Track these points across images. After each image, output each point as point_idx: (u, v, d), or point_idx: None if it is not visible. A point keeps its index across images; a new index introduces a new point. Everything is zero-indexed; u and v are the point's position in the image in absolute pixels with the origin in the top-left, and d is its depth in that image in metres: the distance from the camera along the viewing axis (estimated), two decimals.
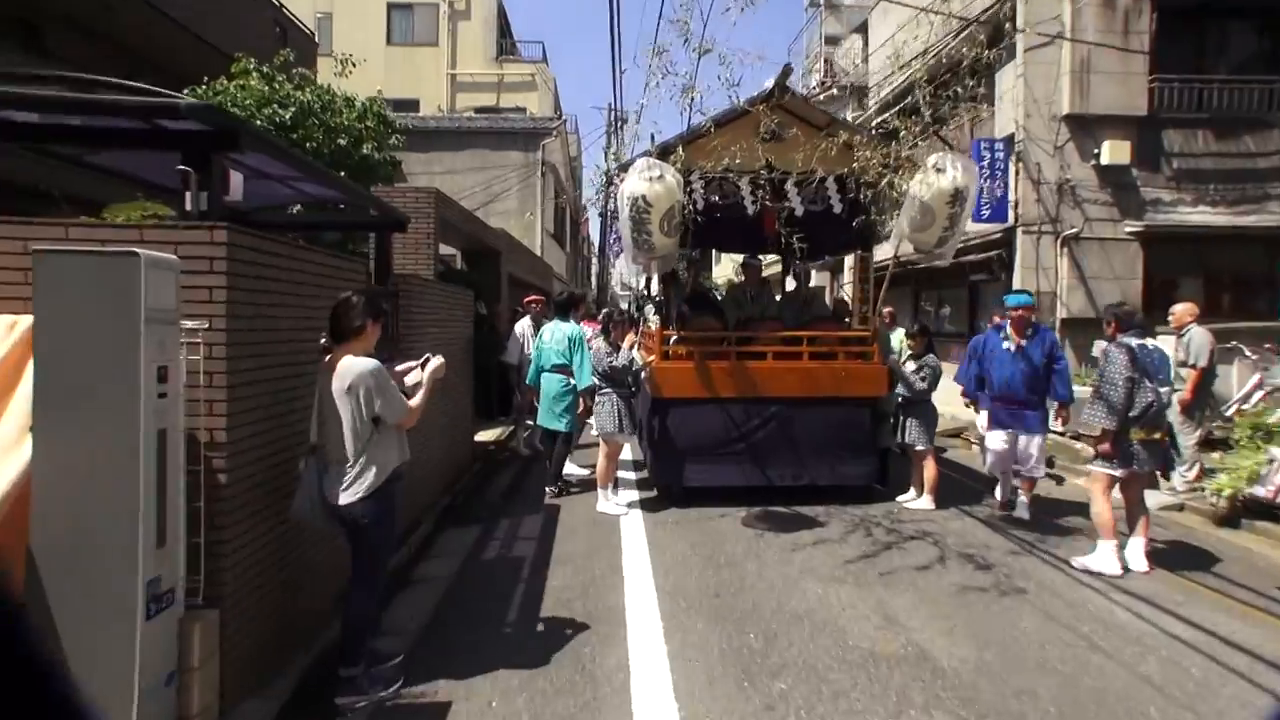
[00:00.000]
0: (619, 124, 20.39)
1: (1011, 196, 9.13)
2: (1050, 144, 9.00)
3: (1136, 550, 4.51)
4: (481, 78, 22.20)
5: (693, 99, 4.68)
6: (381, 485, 2.87)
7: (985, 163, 9.03)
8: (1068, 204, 9.09)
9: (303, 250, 3.10)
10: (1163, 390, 4.43)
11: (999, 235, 9.53)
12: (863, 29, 16.45)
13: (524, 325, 7.84)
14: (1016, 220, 9.17)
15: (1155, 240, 8.97)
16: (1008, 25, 8.37)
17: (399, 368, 3.26)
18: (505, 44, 23.10)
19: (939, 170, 4.80)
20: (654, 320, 7.06)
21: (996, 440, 5.57)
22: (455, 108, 21.61)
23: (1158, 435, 4.46)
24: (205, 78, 7.80)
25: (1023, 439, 5.45)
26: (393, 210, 4.94)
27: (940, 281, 12.43)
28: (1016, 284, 9.39)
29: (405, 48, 21.60)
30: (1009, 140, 9.10)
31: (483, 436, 8.54)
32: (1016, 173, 9.17)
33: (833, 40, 19.49)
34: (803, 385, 6.04)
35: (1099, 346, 7.51)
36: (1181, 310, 6.68)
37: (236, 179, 2.99)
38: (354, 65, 9.61)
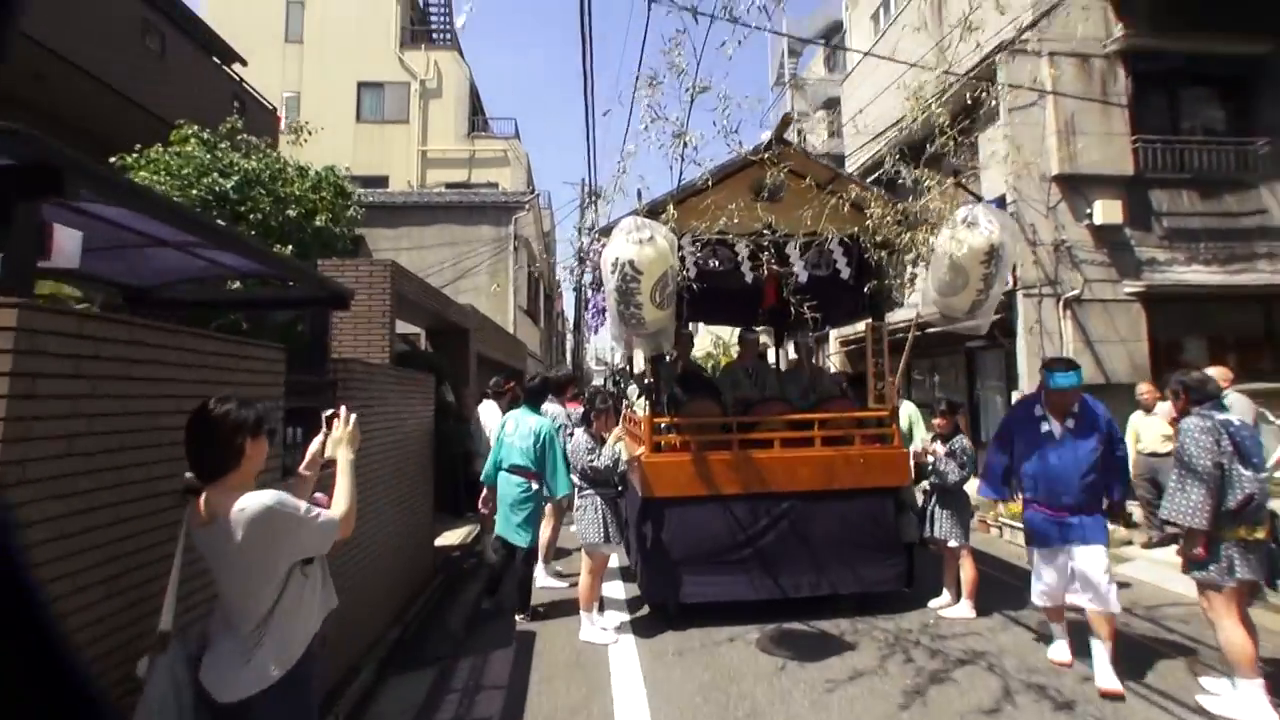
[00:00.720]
0: (594, 199, 20.23)
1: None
2: (1043, 204, 8.68)
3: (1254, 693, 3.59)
4: (453, 154, 22.04)
5: (685, 144, 4.03)
6: (296, 665, 1.97)
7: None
8: (1065, 265, 8.70)
9: (176, 334, 2.25)
10: (1261, 477, 3.69)
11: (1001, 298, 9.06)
12: (832, 104, 16.63)
13: (489, 410, 6.96)
14: (1015, 283, 8.73)
15: (1156, 300, 8.58)
16: (992, 87, 8.14)
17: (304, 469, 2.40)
18: (477, 120, 23.11)
19: (970, 225, 4.19)
20: (639, 405, 6.27)
21: (1047, 567, 4.15)
22: (426, 184, 21.31)
23: (1260, 534, 3.68)
24: (138, 145, 7.08)
25: (1079, 554, 3.99)
26: (329, 284, 4.13)
27: (931, 349, 11.92)
28: (1021, 351, 8.86)
29: (375, 125, 21.41)
30: (1000, 201, 8.77)
31: (447, 539, 7.48)
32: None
33: (801, 116, 19.79)
34: (816, 476, 5.23)
35: (1137, 421, 6.89)
36: (1218, 375, 6.10)
37: (69, 237, 2.17)
38: (309, 133, 9.02)
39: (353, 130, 21.37)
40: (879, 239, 4.96)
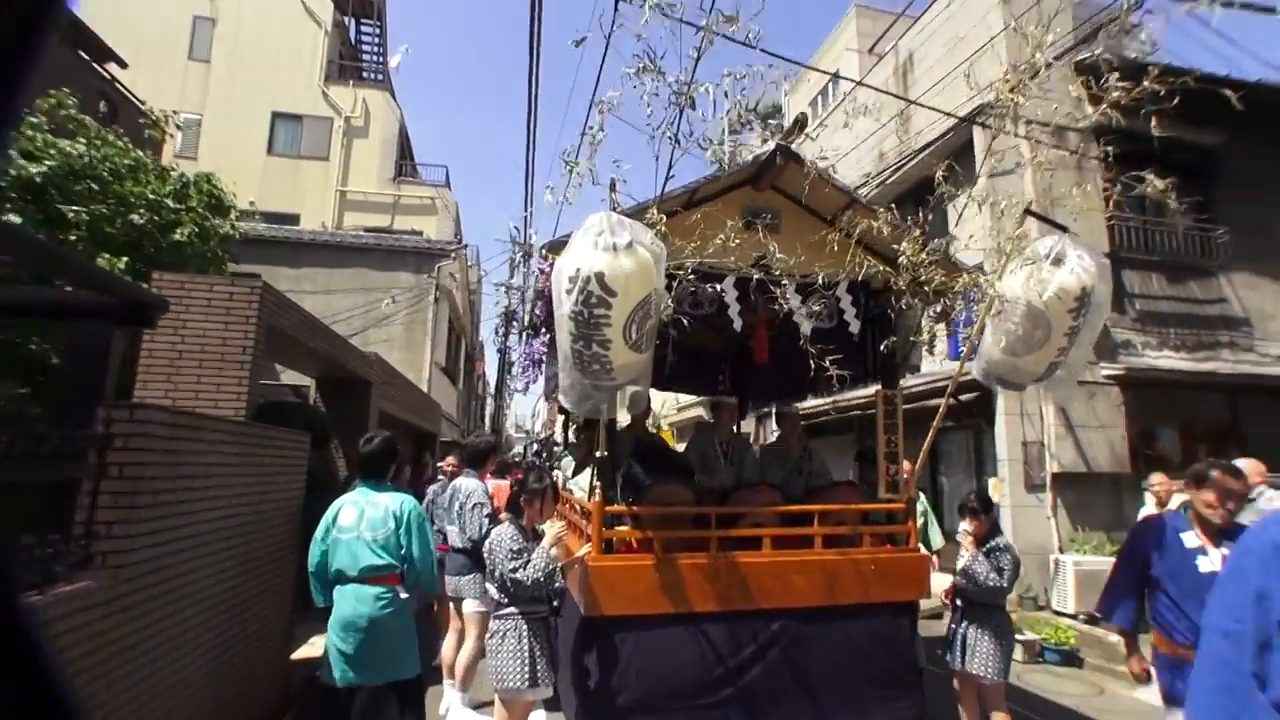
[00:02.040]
0: (525, 254, 19.04)
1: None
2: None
3: None
4: (375, 197, 20.47)
5: (688, 102, 2.87)
6: None
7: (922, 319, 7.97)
8: None
9: None
10: None
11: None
12: None
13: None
14: None
15: (1132, 386, 8.05)
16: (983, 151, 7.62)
17: None
18: (405, 166, 21.76)
19: (1056, 262, 3.17)
20: (576, 484, 4.84)
21: None
22: (342, 226, 19.55)
23: None
24: None
25: None
26: (118, 286, 2.60)
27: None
28: (1001, 435, 8.05)
29: (289, 159, 19.67)
30: (979, 267, 8.13)
31: (314, 647, 5.60)
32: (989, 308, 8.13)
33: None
34: (816, 588, 3.95)
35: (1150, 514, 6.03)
36: (1250, 469, 5.35)
37: None
38: (176, 127, 7.43)
39: (262, 162, 19.53)
40: (907, 284, 3.93)
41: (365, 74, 21.39)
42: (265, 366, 10.68)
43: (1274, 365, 8.40)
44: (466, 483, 5.08)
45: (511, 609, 3.50)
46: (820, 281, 4.08)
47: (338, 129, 19.60)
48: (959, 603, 4.06)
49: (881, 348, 4.19)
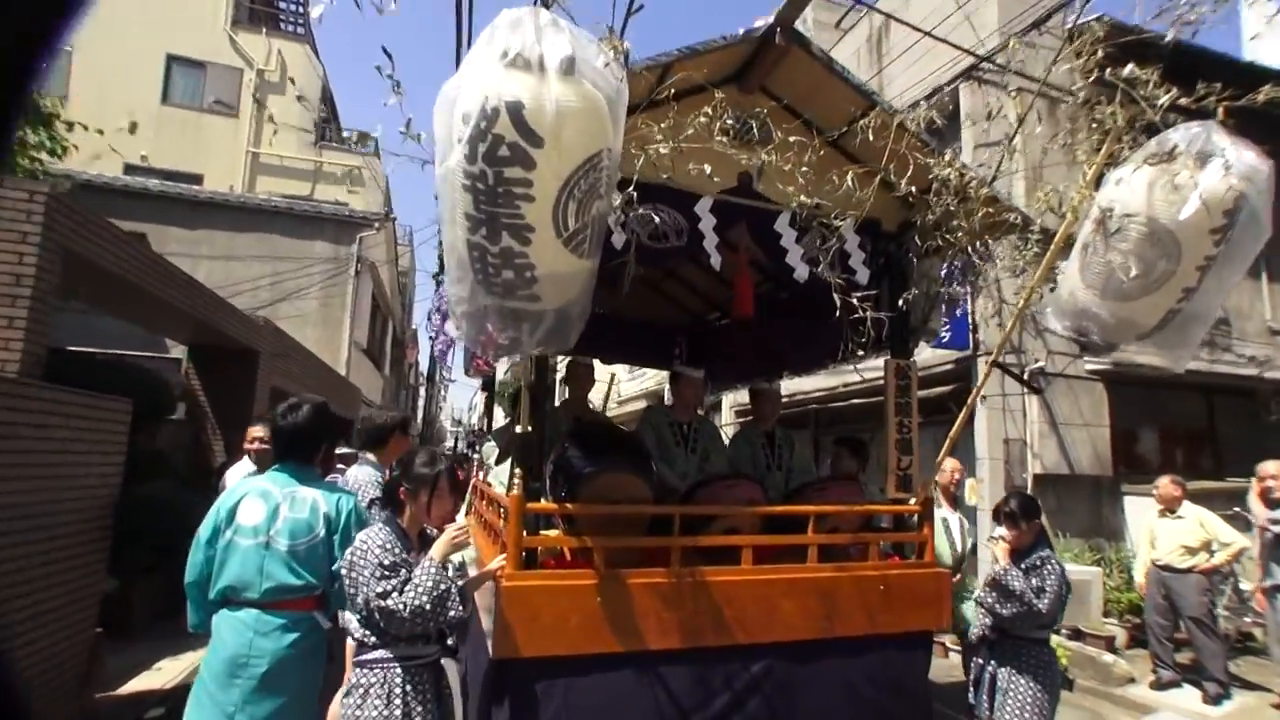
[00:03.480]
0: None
1: (970, 318, 7.28)
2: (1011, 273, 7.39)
3: None
4: (293, 163, 18.49)
5: None
6: None
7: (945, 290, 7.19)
8: (1029, 332, 7.39)
9: None
10: None
11: (951, 366, 7.56)
12: None
13: (241, 470, 4.04)
14: (977, 348, 7.26)
15: (1117, 383, 7.46)
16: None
17: None
18: (329, 130, 19.85)
19: (1201, 160, 2.21)
20: (496, 479, 3.69)
21: None
22: (254, 192, 17.55)
23: None
24: None
25: None
26: None
27: (854, 423, 10.32)
28: (981, 431, 7.32)
29: (190, 111, 17.49)
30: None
31: (147, 680, 4.25)
32: (974, 288, 7.38)
33: None
34: (811, 615, 2.95)
35: (1154, 525, 5.34)
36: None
37: None
38: None
39: (156, 112, 17.25)
40: (936, 221, 2.99)
41: (283, 23, 19.37)
42: (148, 339, 8.90)
43: (1248, 366, 8.00)
44: (356, 473, 3.85)
45: (379, 653, 2.34)
46: (819, 217, 3.07)
47: (248, 82, 17.56)
48: (987, 634, 3.13)
49: (900, 303, 3.22)
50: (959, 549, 4.42)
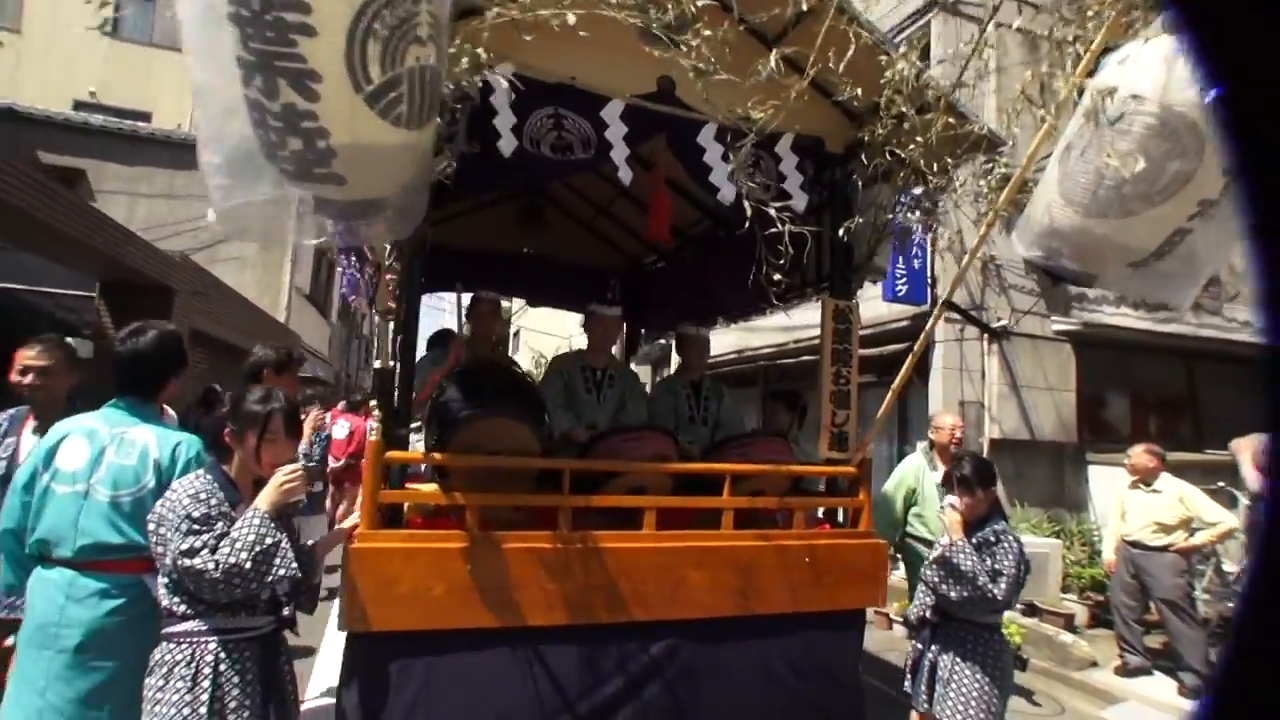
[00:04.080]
0: None
1: (930, 270, 6.89)
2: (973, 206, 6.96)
3: None
4: None
5: None
6: None
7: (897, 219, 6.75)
8: (993, 288, 7.03)
9: None
10: None
11: (907, 323, 7.18)
12: None
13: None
14: (934, 303, 6.89)
15: (1085, 344, 7.16)
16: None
17: None
18: None
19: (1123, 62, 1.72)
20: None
21: None
22: None
23: None
24: None
25: None
26: None
27: (804, 380, 10.01)
28: (936, 392, 7.00)
29: (139, 46, 16.31)
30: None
31: None
32: (934, 241, 6.97)
33: None
34: (725, 591, 2.58)
35: (1127, 497, 5.01)
36: None
37: None
38: None
39: (104, 47, 16.08)
40: (884, 138, 2.55)
41: None
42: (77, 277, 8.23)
43: (1239, 331, 7.67)
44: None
45: (190, 624, 1.92)
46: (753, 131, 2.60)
47: None
48: (928, 615, 2.79)
49: (839, 233, 2.78)
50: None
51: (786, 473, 2.86)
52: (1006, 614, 3.35)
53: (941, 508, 2.86)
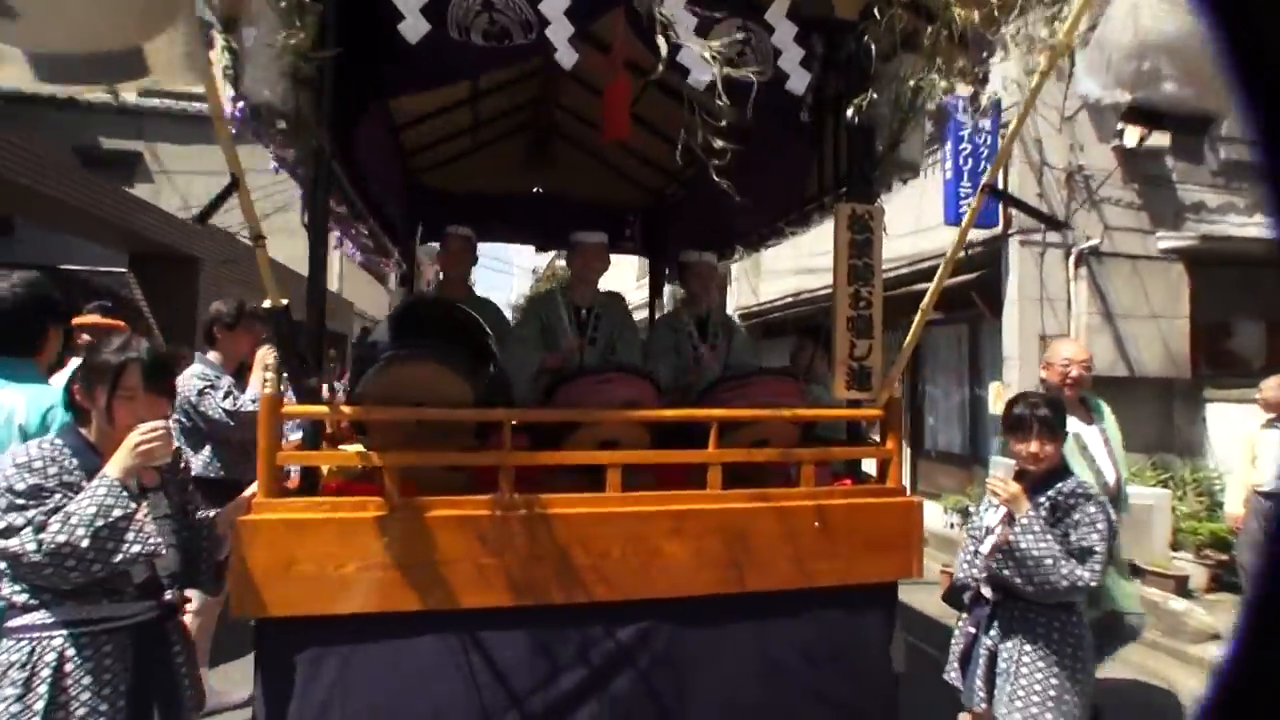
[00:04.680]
0: None
1: (1000, 187, 5.96)
2: (1056, 112, 5.93)
3: None
4: None
5: None
6: None
7: (965, 134, 5.83)
8: (1081, 204, 6.02)
9: None
10: None
11: (979, 249, 6.30)
12: None
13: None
14: (1008, 225, 5.97)
15: (1203, 262, 6.06)
16: None
17: None
18: None
19: None
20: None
21: None
22: None
23: None
24: None
25: None
26: None
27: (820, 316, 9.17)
28: (1011, 325, 6.14)
29: None
30: (997, 107, 5.96)
31: None
32: (1007, 155, 6.02)
33: None
34: (710, 564, 2.09)
35: (1256, 438, 4.14)
36: None
37: None
38: None
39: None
40: None
41: None
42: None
43: None
44: (184, 373, 3.15)
45: (33, 616, 1.62)
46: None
47: None
48: (987, 593, 2.21)
49: (848, 114, 2.14)
50: (1108, 480, 2.87)
51: (790, 417, 2.31)
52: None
53: (992, 472, 2.23)
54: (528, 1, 2.10)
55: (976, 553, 2.26)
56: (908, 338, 2.28)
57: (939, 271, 2.15)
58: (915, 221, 7.06)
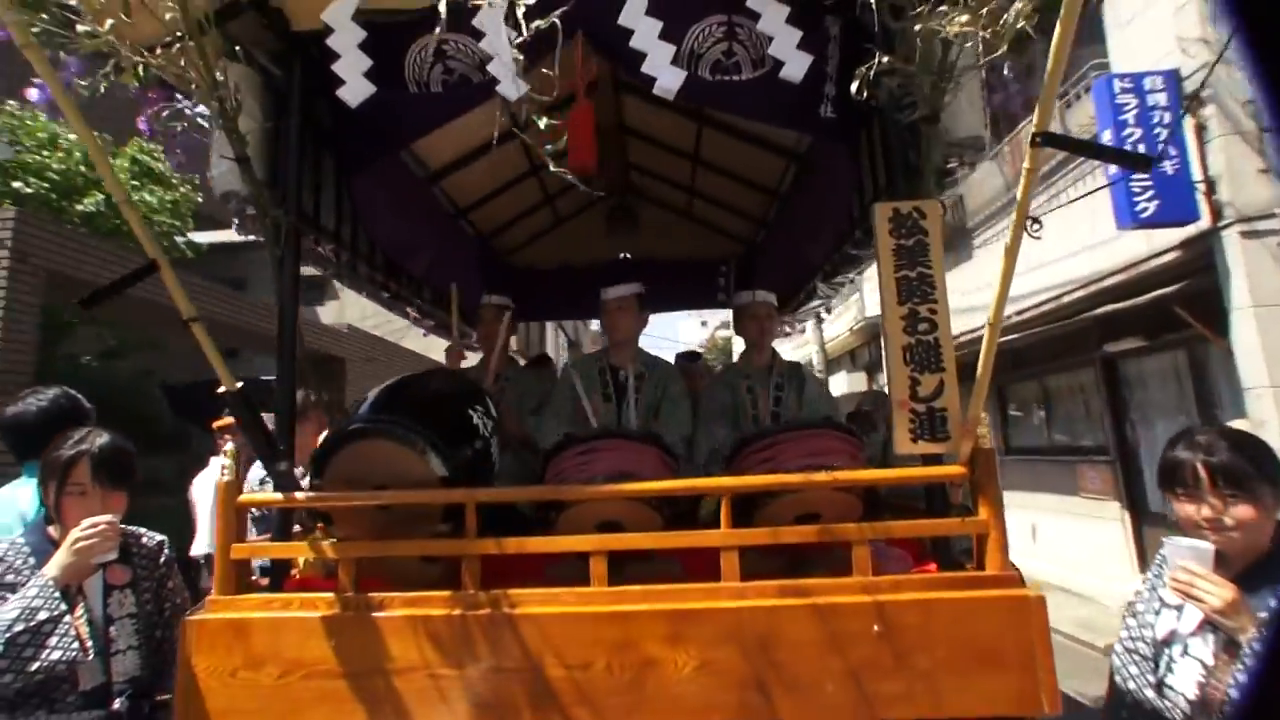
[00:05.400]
0: None
1: (1197, 172, 4.73)
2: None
3: None
4: None
5: None
6: None
7: (1127, 115, 4.79)
8: None
9: None
10: None
11: (1176, 252, 5.03)
12: None
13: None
14: (1218, 215, 4.70)
15: None
16: None
17: None
18: None
19: None
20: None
21: None
22: None
23: None
24: None
25: None
26: None
27: (1030, 363, 7.78)
28: (1250, 344, 4.74)
29: None
30: (1172, 76, 4.84)
31: None
32: (1199, 130, 4.83)
33: None
34: (723, 684, 1.59)
35: None
36: None
37: None
38: None
39: None
40: None
41: None
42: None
43: None
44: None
45: None
46: None
47: None
48: None
49: (853, 89, 1.67)
50: None
51: (838, 482, 1.76)
52: None
53: (1161, 560, 1.49)
54: (475, 39, 1.96)
55: (1153, 664, 1.48)
56: (979, 370, 1.66)
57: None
58: (1090, 234, 5.94)
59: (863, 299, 13.13)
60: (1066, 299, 6.49)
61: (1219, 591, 1.29)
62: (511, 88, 1.85)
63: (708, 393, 2.72)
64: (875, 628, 1.58)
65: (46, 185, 5.65)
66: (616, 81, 3.29)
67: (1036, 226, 1.60)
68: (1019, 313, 6.93)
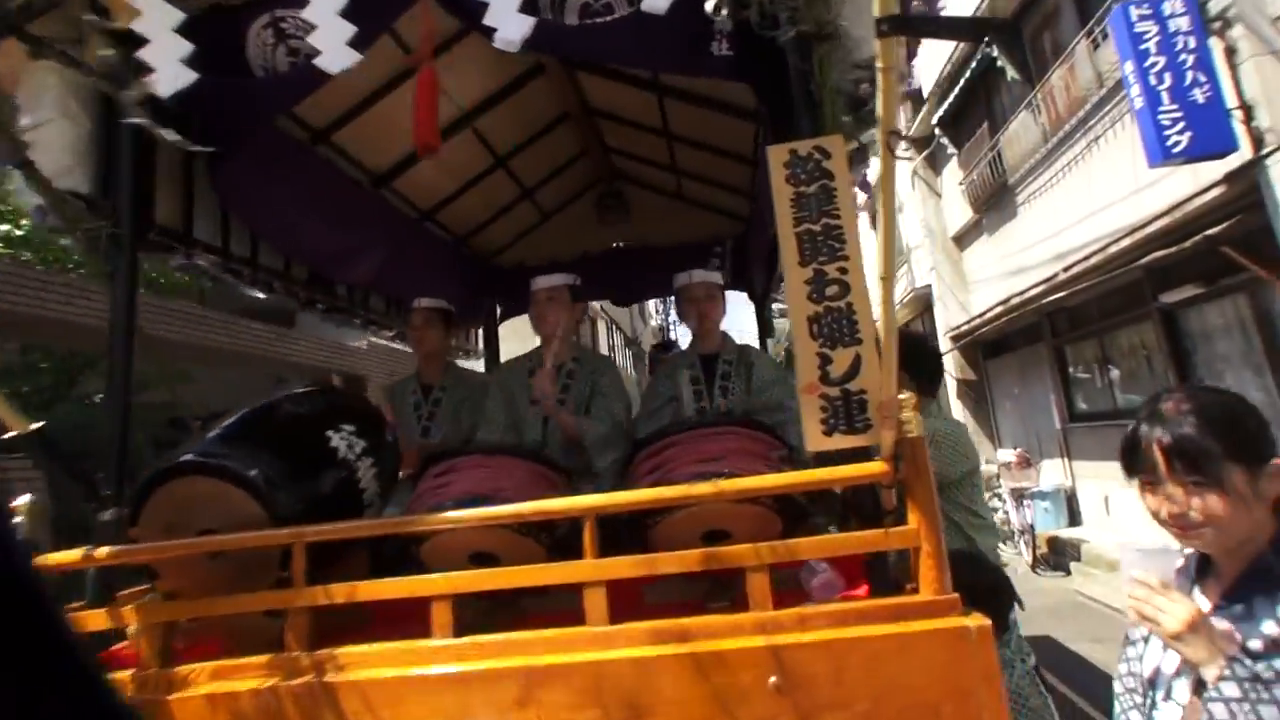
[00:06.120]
0: None
1: (1231, 98, 4.11)
2: None
3: None
4: None
5: None
6: None
7: (1148, 44, 4.20)
8: None
9: None
10: None
11: (1220, 187, 4.41)
12: None
13: None
14: (1258, 144, 4.07)
15: None
16: None
17: None
18: None
19: None
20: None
21: None
22: None
23: None
24: None
25: None
26: None
27: (1086, 321, 7.11)
28: None
29: None
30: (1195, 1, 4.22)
31: None
32: (1229, 53, 4.21)
33: None
34: None
35: None
36: None
37: None
38: None
39: None
40: None
41: None
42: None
43: None
44: None
45: None
46: None
47: None
48: None
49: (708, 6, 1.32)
50: None
51: (713, 494, 1.40)
52: None
53: (1130, 572, 1.09)
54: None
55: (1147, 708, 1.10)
56: (880, 334, 1.29)
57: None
58: (1133, 178, 5.35)
59: (911, 269, 12.46)
60: (1113, 248, 5.89)
61: (1173, 609, 0.93)
62: (335, 59, 1.59)
63: (648, 387, 2.39)
64: (772, 679, 1.23)
65: None
66: (565, 60, 3.01)
67: (905, 146, 1.23)
68: (1066, 269, 6.36)
